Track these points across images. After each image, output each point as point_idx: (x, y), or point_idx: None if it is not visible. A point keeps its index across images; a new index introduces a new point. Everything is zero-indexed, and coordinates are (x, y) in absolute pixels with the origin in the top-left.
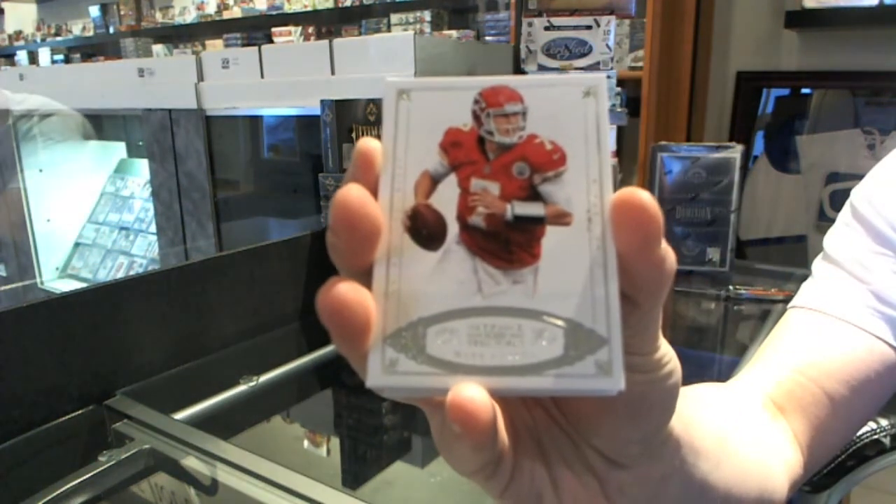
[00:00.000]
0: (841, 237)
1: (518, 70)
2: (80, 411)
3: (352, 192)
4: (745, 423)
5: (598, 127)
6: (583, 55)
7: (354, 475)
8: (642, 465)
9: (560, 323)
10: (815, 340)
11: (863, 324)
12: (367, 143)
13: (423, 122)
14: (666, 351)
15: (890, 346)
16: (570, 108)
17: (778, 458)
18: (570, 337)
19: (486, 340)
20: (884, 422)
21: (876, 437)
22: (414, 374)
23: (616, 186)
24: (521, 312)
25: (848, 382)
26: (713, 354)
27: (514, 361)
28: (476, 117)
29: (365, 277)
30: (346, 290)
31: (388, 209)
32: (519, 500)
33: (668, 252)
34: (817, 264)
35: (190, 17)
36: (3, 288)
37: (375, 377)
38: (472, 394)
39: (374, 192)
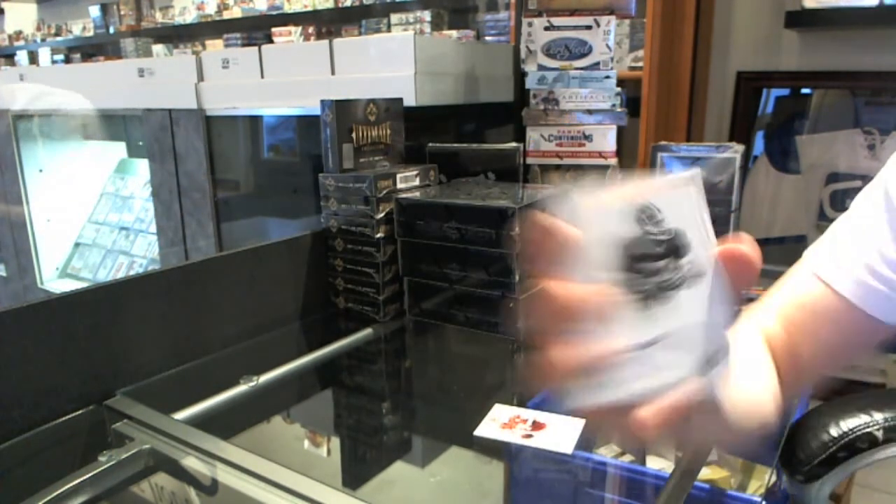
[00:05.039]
0: (866, 217)
1: (518, 70)
2: (80, 411)
3: (556, 287)
4: (756, 356)
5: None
6: (583, 55)
7: (354, 475)
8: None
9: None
10: (805, 301)
11: (851, 298)
12: (545, 223)
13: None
14: None
15: (863, 312)
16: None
17: (772, 391)
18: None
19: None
20: (878, 415)
21: (869, 430)
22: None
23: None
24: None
25: (818, 342)
26: None
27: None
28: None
29: (559, 335)
30: (555, 352)
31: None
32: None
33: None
34: (841, 227)
35: (190, 17)
36: (3, 288)
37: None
38: (647, 413)
39: (555, 258)
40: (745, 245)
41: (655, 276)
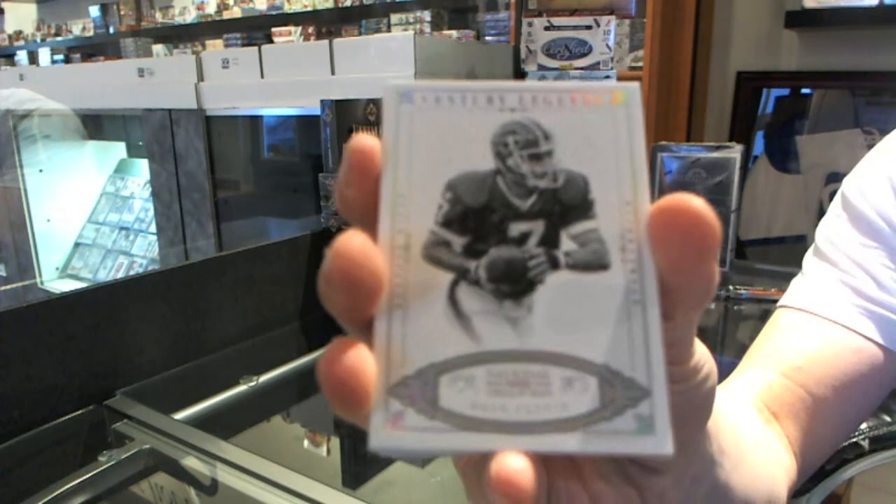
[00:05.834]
0: (831, 229)
1: (518, 70)
2: (80, 411)
3: (353, 243)
4: (747, 426)
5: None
6: (583, 55)
7: (354, 475)
8: (679, 467)
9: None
10: (803, 343)
11: (850, 324)
12: (363, 143)
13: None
14: (701, 354)
15: (878, 345)
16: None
17: (778, 463)
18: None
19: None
20: (862, 425)
21: (854, 439)
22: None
23: None
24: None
25: (835, 386)
26: (713, 355)
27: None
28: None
29: (366, 328)
30: (351, 356)
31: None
32: None
33: (716, 263)
34: (808, 259)
35: (190, 17)
36: (3, 288)
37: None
38: (518, 466)
39: (371, 204)
40: (694, 200)
41: (512, 249)
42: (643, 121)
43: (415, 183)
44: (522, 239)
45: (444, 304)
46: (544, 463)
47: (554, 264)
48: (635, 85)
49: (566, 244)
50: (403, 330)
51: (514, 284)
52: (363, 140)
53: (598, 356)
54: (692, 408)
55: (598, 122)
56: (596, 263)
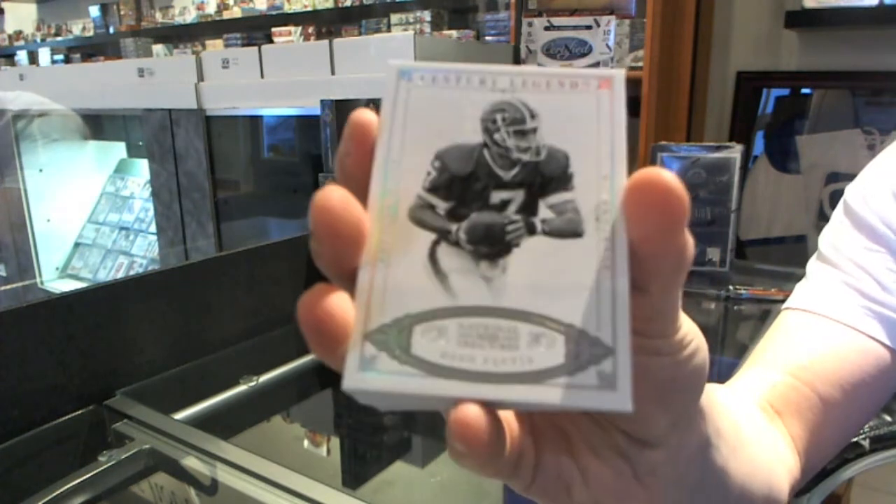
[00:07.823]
0: (835, 235)
1: None
2: (80, 411)
3: (333, 196)
4: (748, 418)
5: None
6: (583, 55)
7: (354, 475)
8: (672, 442)
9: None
10: (809, 343)
11: (856, 324)
12: (362, 116)
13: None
14: (688, 329)
15: (884, 346)
16: (583, 103)
17: (780, 459)
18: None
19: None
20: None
21: (855, 439)
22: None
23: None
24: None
25: (842, 386)
26: (713, 355)
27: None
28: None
29: (350, 281)
30: (331, 299)
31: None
32: (546, 494)
33: (688, 237)
34: (812, 264)
35: (190, 17)
36: (3, 288)
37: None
38: (475, 412)
39: (366, 172)
40: (665, 174)
41: (492, 214)
42: (625, 104)
43: (406, 151)
44: (503, 206)
45: (425, 261)
46: (533, 436)
47: (531, 230)
48: (621, 72)
49: (544, 212)
50: (384, 281)
51: (492, 246)
52: (362, 114)
53: (566, 315)
54: (682, 382)
55: (582, 103)
56: (570, 231)
